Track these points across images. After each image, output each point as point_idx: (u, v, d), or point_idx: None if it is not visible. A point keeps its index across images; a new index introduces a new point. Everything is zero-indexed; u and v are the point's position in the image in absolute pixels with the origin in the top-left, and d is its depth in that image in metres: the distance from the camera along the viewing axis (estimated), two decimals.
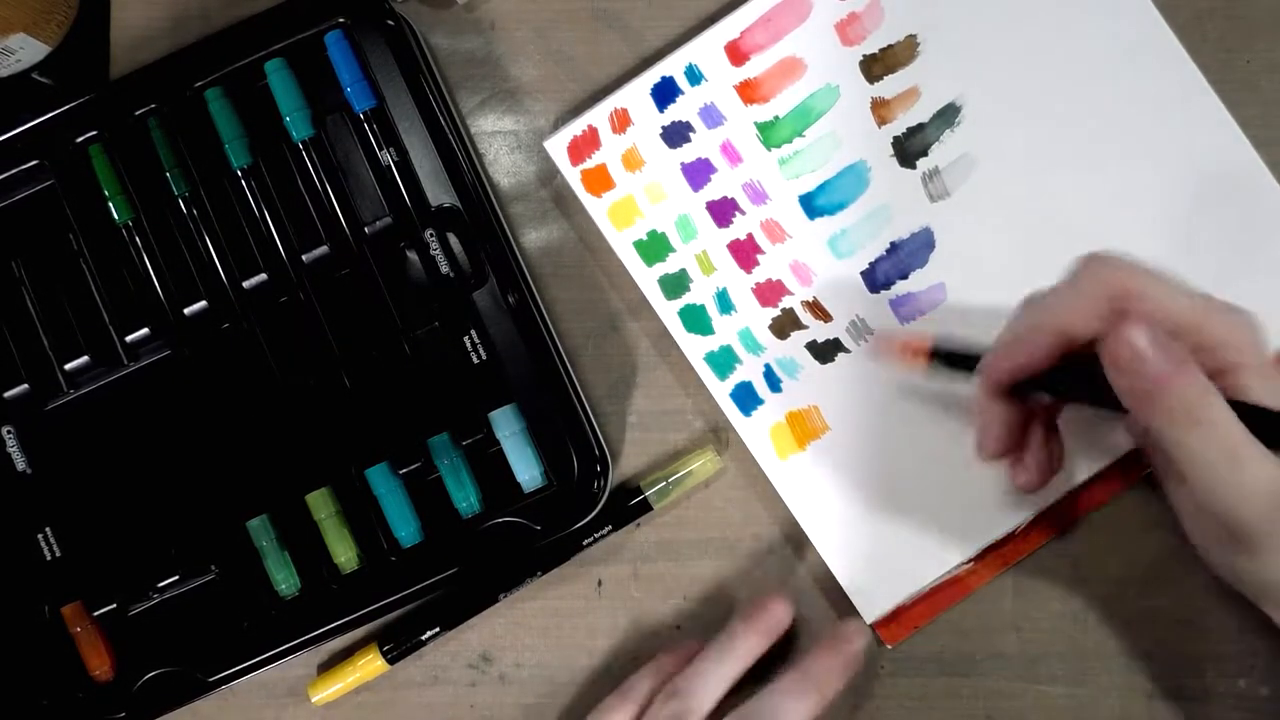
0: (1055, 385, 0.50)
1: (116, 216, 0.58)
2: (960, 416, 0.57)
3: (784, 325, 0.58)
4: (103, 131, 0.58)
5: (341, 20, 0.57)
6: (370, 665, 0.59)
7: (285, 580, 0.57)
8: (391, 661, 0.59)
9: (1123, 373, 0.46)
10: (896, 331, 0.57)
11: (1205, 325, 0.46)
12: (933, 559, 0.57)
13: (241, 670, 0.57)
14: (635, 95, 0.59)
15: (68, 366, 0.58)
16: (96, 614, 0.58)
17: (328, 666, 0.60)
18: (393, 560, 0.57)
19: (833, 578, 0.57)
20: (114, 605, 0.58)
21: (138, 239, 0.58)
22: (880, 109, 0.58)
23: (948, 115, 0.58)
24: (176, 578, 0.58)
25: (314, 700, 0.59)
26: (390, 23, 0.57)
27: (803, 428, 0.58)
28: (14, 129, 0.58)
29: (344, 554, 0.57)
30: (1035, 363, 0.49)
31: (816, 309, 0.58)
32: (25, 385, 0.58)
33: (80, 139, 0.58)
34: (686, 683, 0.54)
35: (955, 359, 0.53)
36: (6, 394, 0.58)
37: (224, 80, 0.58)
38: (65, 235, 0.59)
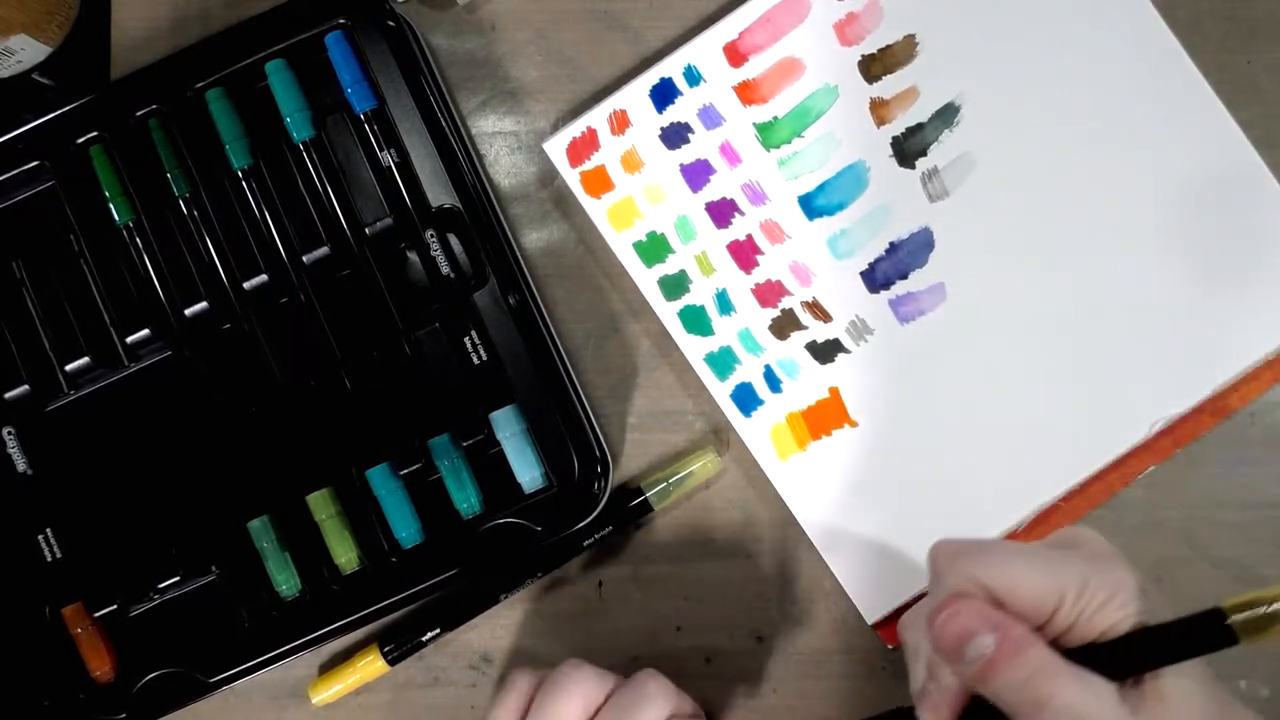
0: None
1: (117, 217, 0.58)
2: (959, 415, 0.57)
3: (784, 326, 0.58)
4: (104, 132, 0.58)
5: (342, 21, 0.57)
6: (371, 666, 0.59)
7: (286, 581, 0.57)
8: (392, 662, 0.59)
9: (955, 666, 0.43)
10: None
11: (1066, 589, 0.42)
12: None
13: (242, 671, 0.57)
14: (634, 97, 0.59)
15: (68, 367, 0.58)
16: (98, 615, 0.58)
17: (328, 667, 0.60)
18: (393, 561, 0.57)
19: (834, 578, 0.57)
20: (115, 606, 0.58)
21: (138, 240, 0.58)
22: (879, 109, 0.58)
23: (946, 115, 0.58)
24: (177, 579, 0.58)
25: (314, 701, 0.59)
26: (391, 23, 0.57)
27: (801, 429, 0.58)
28: (15, 129, 0.58)
29: (345, 555, 0.57)
30: (956, 696, 0.44)
31: (816, 309, 0.58)
32: (26, 386, 0.58)
33: (81, 140, 0.58)
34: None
35: None
36: (7, 394, 0.58)
37: (225, 81, 0.58)
38: (66, 236, 0.59)
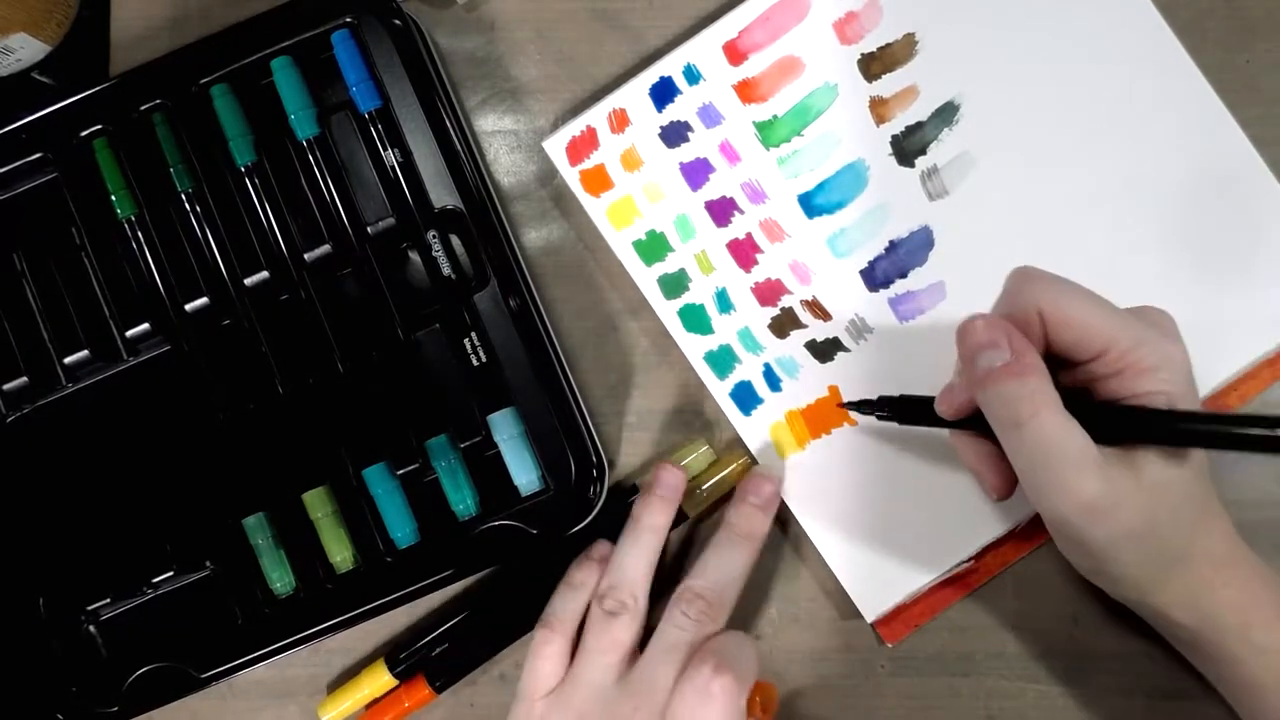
0: None
1: (119, 211, 0.58)
2: None
3: (783, 324, 0.58)
4: (108, 126, 0.58)
5: (349, 20, 0.57)
6: (377, 682, 0.59)
7: (280, 579, 0.57)
8: (399, 677, 0.59)
9: (966, 367, 0.47)
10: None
11: (1118, 339, 0.46)
12: (933, 558, 0.56)
13: (234, 667, 0.57)
14: (633, 95, 0.59)
15: (67, 360, 0.58)
16: (90, 608, 0.58)
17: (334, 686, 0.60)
18: (388, 561, 0.57)
19: (834, 577, 0.57)
20: (108, 600, 0.58)
21: (140, 234, 0.58)
22: (879, 107, 0.58)
23: (946, 114, 0.58)
24: (171, 574, 0.58)
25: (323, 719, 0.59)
26: (397, 22, 0.57)
27: (801, 428, 0.58)
28: (16, 122, 0.58)
29: (340, 553, 0.57)
30: (961, 397, 0.49)
31: (816, 308, 0.58)
32: (24, 378, 0.58)
33: (85, 133, 0.58)
34: (611, 576, 0.55)
35: (903, 406, 0.54)
36: (5, 386, 0.58)
37: (230, 77, 0.58)
38: (68, 229, 0.59)
